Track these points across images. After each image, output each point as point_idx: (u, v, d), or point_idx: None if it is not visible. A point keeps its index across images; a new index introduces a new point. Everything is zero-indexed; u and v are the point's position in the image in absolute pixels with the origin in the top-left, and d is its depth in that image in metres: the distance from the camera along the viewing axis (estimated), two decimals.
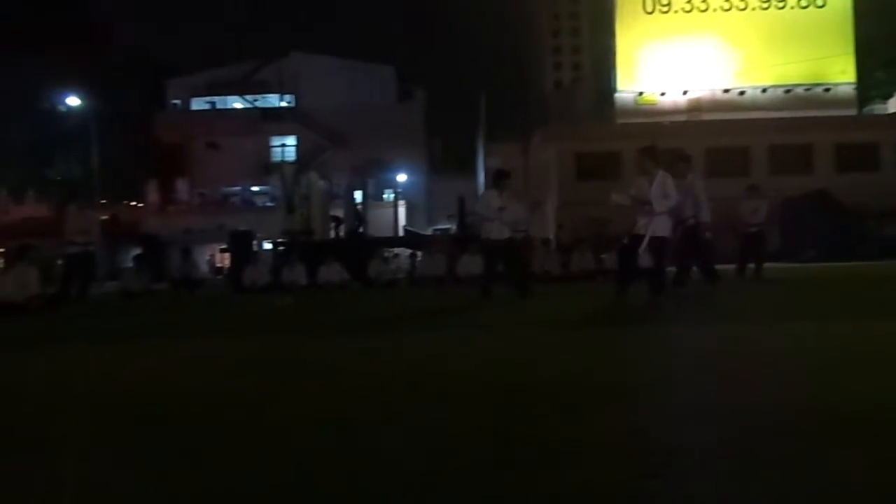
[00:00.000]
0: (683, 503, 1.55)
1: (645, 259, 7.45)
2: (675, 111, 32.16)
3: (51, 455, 2.16)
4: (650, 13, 33.02)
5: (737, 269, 12.05)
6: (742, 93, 32.46)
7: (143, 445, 2.23)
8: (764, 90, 32.50)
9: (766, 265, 12.22)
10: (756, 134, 29.73)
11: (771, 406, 2.39)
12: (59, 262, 13.22)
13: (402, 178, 43.62)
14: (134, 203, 41.49)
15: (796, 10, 32.69)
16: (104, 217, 30.22)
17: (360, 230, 19.89)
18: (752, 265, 11.96)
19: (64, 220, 12.14)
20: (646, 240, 7.25)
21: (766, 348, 3.90)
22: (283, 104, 46.23)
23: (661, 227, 7.36)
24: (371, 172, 21.66)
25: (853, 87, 32.79)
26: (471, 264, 14.89)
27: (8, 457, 2.16)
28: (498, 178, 9.46)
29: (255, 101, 42.69)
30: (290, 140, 42.55)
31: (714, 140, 29.15)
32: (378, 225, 30.26)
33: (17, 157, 36.34)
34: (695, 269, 9.31)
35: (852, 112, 32.47)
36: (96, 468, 1.99)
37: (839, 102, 32.26)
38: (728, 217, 12.70)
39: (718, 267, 12.14)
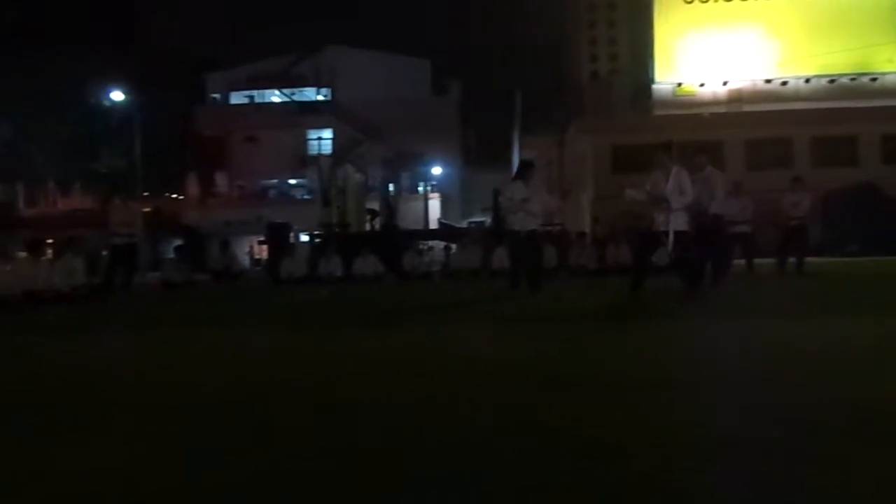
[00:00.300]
0: (732, 497, 1.55)
1: (663, 255, 7.66)
2: (714, 102, 31.58)
3: (96, 439, 2.25)
4: (689, 2, 32.44)
5: (777, 263, 11.84)
6: (784, 83, 31.70)
7: (187, 430, 2.31)
8: (807, 80, 31.69)
9: (808, 259, 11.98)
10: (799, 125, 29.01)
11: (815, 402, 2.37)
12: (104, 252, 13.57)
13: (436, 170, 43.66)
14: (175, 195, 42.30)
15: None
16: (147, 209, 30.90)
17: (393, 223, 19.99)
18: (792, 259, 11.74)
19: (108, 213, 12.48)
20: (671, 236, 7.34)
21: (807, 343, 3.84)
22: (320, 98, 46.60)
23: (679, 222, 7.45)
24: (402, 165, 21.71)
25: None
26: (506, 257, 14.88)
27: (50, 441, 2.25)
28: (523, 170, 9.51)
29: (293, 94, 43.10)
30: (327, 133, 42.87)
31: (755, 131, 28.56)
32: (412, 218, 30.38)
33: (64, 151, 37.35)
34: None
35: None
36: (141, 451, 2.06)
37: (886, 92, 31.30)
38: (769, 210, 12.48)
39: (760, 261, 12.03)
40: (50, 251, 12.51)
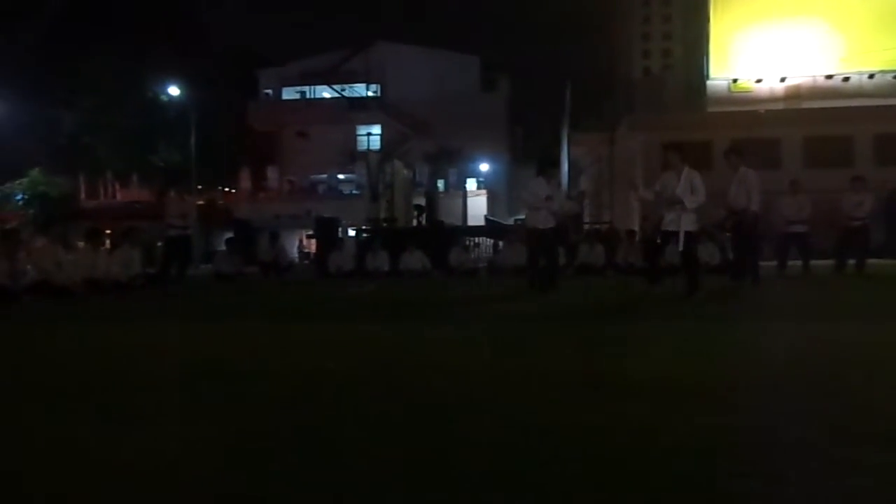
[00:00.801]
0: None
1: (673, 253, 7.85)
2: (771, 99, 30.70)
3: (150, 424, 2.32)
4: None
5: (836, 265, 11.48)
6: (846, 79, 30.60)
7: (238, 419, 2.36)
8: (871, 76, 30.52)
9: (869, 261, 11.57)
10: (860, 122, 27.97)
11: (861, 410, 2.29)
12: (160, 244, 13.96)
13: (484, 167, 43.59)
14: (228, 189, 43.25)
15: None
16: (200, 202, 31.68)
17: (437, 218, 20.00)
18: (852, 261, 11.36)
19: (164, 205, 12.82)
20: (681, 236, 7.37)
21: (859, 348, 3.71)
22: (370, 94, 47.01)
23: (689, 222, 7.49)
24: (444, 161, 21.81)
25: None
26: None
27: (108, 425, 2.33)
28: (545, 167, 9.47)
29: (343, 90, 43.58)
30: (376, 129, 43.23)
31: (814, 129, 27.66)
32: (457, 214, 30.38)
33: (123, 145, 38.55)
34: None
35: None
36: (195, 441, 2.12)
37: None
38: (829, 210, 12.09)
39: (817, 263, 11.66)
40: (108, 241, 12.94)
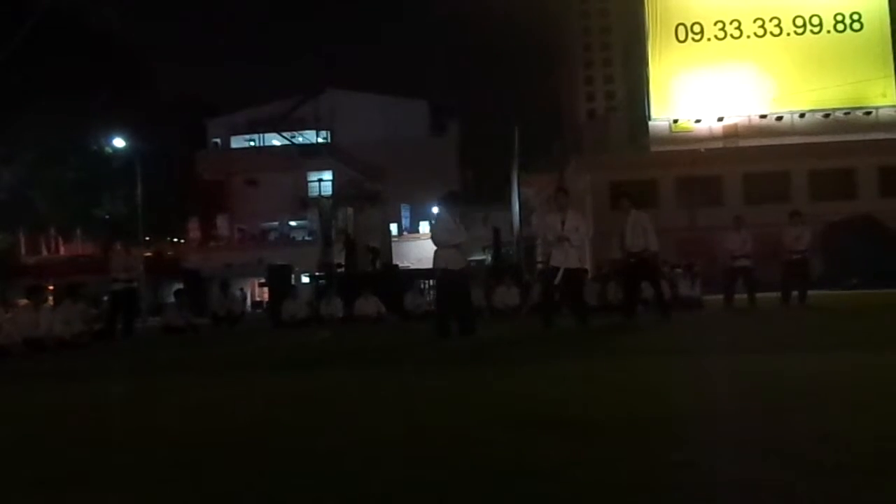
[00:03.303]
0: None
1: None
2: (710, 138, 31.91)
3: (95, 487, 2.22)
4: (682, 41, 33.04)
5: (782, 297, 11.84)
6: (779, 118, 32.10)
7: (191, 477, 2.27)
8: (802, 115, 32.09)
9: (810, 293, 11.97)
10: (795, 159, 29.29)
11: (812, 440, 2.34)
12: (105, 298, 13.58)
13: (436, 210, 43.90)
14: (176, 240, 42.48)
15: (833, 34, 32.38)
16: (148, 254, 31.02)
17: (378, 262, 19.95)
18: (795, 293, 11.74)
19: (109, 258, 12.54)
20: (560, 272, 8.02)
21: (810, 379, 3.81)
22: (320, 140, 47.14)
23: (572, 259, 8.22)
24: (369, 203, 21.96)
25: (895, 109, 32.18)
26: (506, 296, 14.86)
27: (59, 488, 2.22)
28: (448, 202, 8.76)
29: (293, 137, 43.62)
30: (327, 175, 43.23)
31: (752, 166, 28.80)
32: (413, 257, 30.43)
33: (66, 198, 37.59)
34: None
35: (895, 136, 31.79)
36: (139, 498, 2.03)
37: (881, 125, 31.67)
38: (769, 244, 12.54)
39: (761, 295, 12.01)
40: (51, 298, 12.52)
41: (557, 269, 8.10)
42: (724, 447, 2.31)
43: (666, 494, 1.81)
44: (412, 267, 23.61)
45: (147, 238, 31.57)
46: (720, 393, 3.51)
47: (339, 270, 19.55)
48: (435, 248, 8.06)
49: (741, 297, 12.15)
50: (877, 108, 32.10)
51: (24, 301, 10.99)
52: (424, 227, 42.11)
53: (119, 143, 33.32)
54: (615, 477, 1.99)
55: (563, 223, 8.29)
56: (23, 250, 36.79)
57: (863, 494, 1.74)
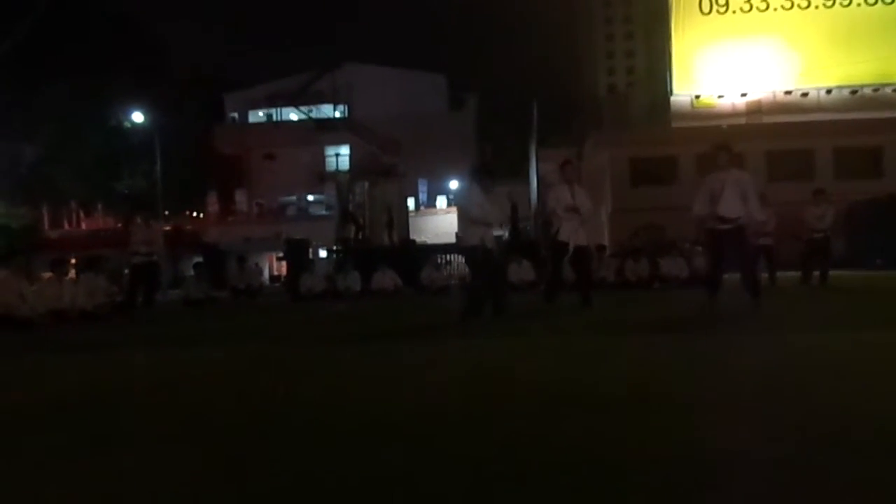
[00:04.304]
0: None
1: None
2: (733, 114, 31.39)
3: (116, 452, 2.25)
4: (707, 14, 32.37)
5: (802, 277, 11.72)
6: (805, 94, 31.46)
7: (208, 445, 2.30)
8: (828, 91, 31.43)
9: (832, 272, 11.82)
10: (820, 136, 28.72)
11: (827, 417, 2.32)
12: (126, 271, 13.74)
13: (454, 184, 43.79)
14: (195, 214, 42.78)
15: (863, 7, 31.52)
16: (167, 228, 31.28)
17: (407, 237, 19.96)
18: (817, 272, 11.60)
19: (130, 232, 12.64)
20: (571, 247, 7.92)
21: (825, 358, 3.77)
22: (337, 114, 47.01)
23: (584, 235, 8.12)
24: (384, 178, 21.84)
25: None
26: (521, 271, 14.84)
27: (75, 456, 2.25)
28: (481, 175, 8.07)
29: (310, 112, 43.52)
30: (344, 150, 43.19)
31: (775, 143, 28.30)
32: (429, 232, 30.42)
33: (87, 173, 37.96)
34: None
35: None
36: (158, 470, 2.06)
37: None
38: (791, 223, 12.36)
39: (781, 274, 11.88)
40: (73, 271, 12.68)
41: (566, 243, 7.94)
42: (733, 424, 2.30)
43: (673, 468, 1.80)
44: (429, 242, 23.61)
45: (166, 212, 31.83)
46: (737, 372, 3.48)
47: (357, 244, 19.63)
48: (463, 223, 7.59)
49: (762, 275, 12.03)
50: None
51: (47, 274, 11.14)
52: (441, 201, 42.02)
53: (138, 118, 33.46)
54: (632, 451, 1.98)
55: (572, 196, 8.03)
56: (46, 225, 37.26)
57: (867, 469, 1.72)
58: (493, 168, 9.63)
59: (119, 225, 34.10)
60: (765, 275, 11.97)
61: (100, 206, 38.85)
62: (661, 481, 1.73)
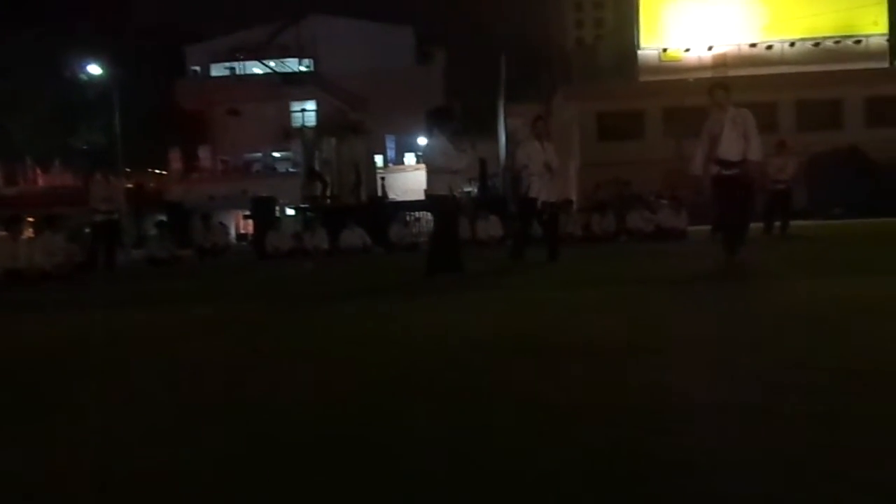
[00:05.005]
0: (694, 459, 1.54)
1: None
2: (700, 67, 31.41)
3: (71, 415, 2.21)
4: None
5: (763, 227, 11.92)
6: (769, 47, 31.57)
7: (164, 410, 2.27)
8: (792, 44, 31.59)
9: (794, 223, 12.06)
10: (783, 89, 28.99)
11: (790, 364, 2.37)
12: (86, 230, 13.42)
13: (422, 141, 43.41)
14: (157, 171, 41.83)
15: None
16: (129, 185, 30.56)
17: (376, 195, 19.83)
18: (778, 223, 11.82)
19: (89, 189, 12.30)
20: (539, 203, 7.91)
21: (785, 306, 3.85)
22: (303, 69, 45.95)
23: (556, 191, 8.27)
24: (352, 133, 21.56)
25: (885, 38, 31.72)
26: (489, 227, 14.86)
27: (32, 418, 2.21)
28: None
29: (275, 65, 42.41)
30: (310, 105, 42.33)
31: (740, 96, 28.35)
32: (398, 189, 30.20)
33: (43, 127, 36.73)
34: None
35: (884, 65, 31.46)
36: (111, 428, 2.03)
37: (871, 55, 31.26)
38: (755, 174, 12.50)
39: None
40: (30, 229, 12.34)
41: (535, 199, 7.95)
42: (702, 372, 2.34)
43: (642, 416, 1.83)
44: (397, 199, 23.44)
45: (127, 169, 31.06)
46: (695, 321, 3.54)
47: (325, 202, 19.43)
48: (429, 173, 7.20)
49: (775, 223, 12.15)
50: (867, 36, 31.61)
51: (2, 232, 10.82)
52: (410, 158, 41.65)
53: (95, 70, 32.29)
54: (593, 400, 2.00)
55: (543, 152, 8.08)
56: (0, 181, 36.13)
57: (835, 414, 1.77)
58: (453, 108, 9.43)
59: (78, 181, 33.20)
60: (777, 222, 12.07)
61: (57, 163, 37.72)
62: (616, 424, 1.76)
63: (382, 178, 25.71)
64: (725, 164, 6.57)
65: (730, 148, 6.57)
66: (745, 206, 6.78)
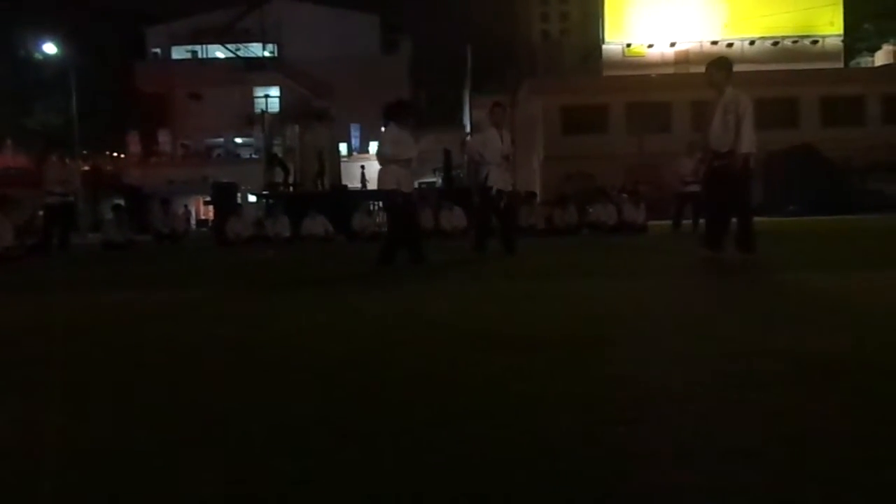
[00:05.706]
0: (653, 448, 1.57)
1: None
2: (662, 63, 31.88)
3: (25, 401, 2.16)
4: None
5: (673, 225, 12.36)
6: (730, 45, 32.18)
7: (121, 390, 2.23)
8: (752, 42, 32.26)
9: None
10: (742, 87, 29.50)
11: (744, 352, 2.43)
12: (40, 212, 13.07)
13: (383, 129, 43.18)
14: (115, 154, 40.86)
15: None
16: (85, 168, 29.80)
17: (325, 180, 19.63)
18: (688, 221, 12.25)
19: (43, 171, 11.97)
20: (494, 191, 7.82)
21: (743, 297, 3.94)
22: (266, 54, 45.26)
23: (510, 181, 8.29)
24: (316, 121, 21.27)
25: (840, 39, 32.60)
26: (453, 218, 14.89)
27: None
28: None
29: (238, 50, 41.67)
30: (274, 91, 41.75)
31: (700, 93, 28.90)
32: (359, 177, 30.01)
33: None
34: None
35: (839, 65, 32.35)
36: (71, 414, 1.99)
37: (827, 55, 32.13)
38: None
39: (656, 224, 12.35)
40: None
41: (500, 191, 7.87)
42: (656, 362, 2.38)
43: (598, 406, 1.85)
44: (361, 188, 23.32)
45: (84, 151, 30.27)
46: (653, 313, 3.60)
47: (288, 189, 19.21)
48: (381, 166, 7.05)
49: (688, 222, 12.48)
50: (824, 37, 32.44)
51: None
52: (374, 147, 41.48)
53: (50, 49, 31.33)
54: (551, 390, 2.03)
55: (501, 140, 7.91)
56: None
57: (789, 404, 1.82)
58: (412, 104, 9.30)
59: (32, 163, 32.23)
60: (687, 221, 12.42)
61: (10, 143, 36.55)
62: (572, 413, 1.78)
63: (362, 167, 25.46)
64: (715, 154, 6.06)
65: (718, 137, 6.05)
66: (735, 201, 6.09)
